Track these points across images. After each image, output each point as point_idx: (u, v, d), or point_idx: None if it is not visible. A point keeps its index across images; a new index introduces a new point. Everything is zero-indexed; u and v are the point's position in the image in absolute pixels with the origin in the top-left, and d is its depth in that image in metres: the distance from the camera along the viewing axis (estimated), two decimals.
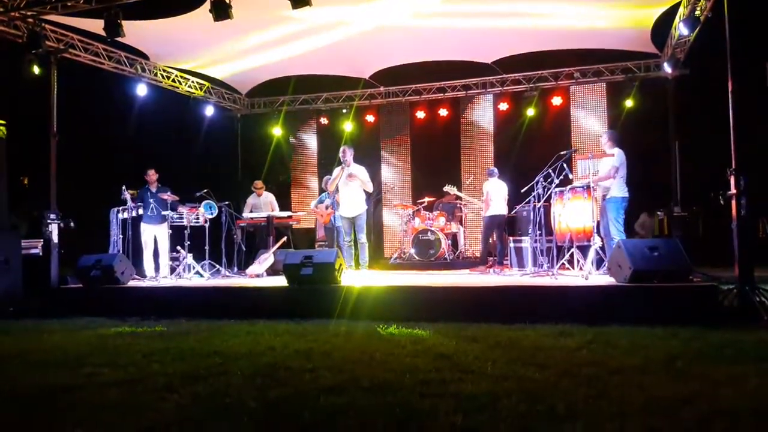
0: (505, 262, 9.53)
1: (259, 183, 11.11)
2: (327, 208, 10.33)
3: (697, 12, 8.26)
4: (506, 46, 10.89)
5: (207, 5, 7.85)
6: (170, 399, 3.42)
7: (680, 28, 8.93)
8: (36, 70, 8.65)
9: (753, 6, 6.84)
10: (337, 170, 8.74)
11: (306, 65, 11.80)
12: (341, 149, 8.77)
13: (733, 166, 5.95)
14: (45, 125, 8.55)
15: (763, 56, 5.89)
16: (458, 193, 11.09)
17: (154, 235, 9.35)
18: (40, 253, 8.48)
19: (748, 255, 5.87)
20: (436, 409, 3.07)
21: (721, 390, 3.30)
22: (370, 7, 8.95)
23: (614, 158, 7.61)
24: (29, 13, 8.29)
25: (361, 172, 8.71)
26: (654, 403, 3.10)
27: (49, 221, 8.29)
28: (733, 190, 5.90)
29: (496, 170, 9.76)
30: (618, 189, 7.60)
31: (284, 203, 11.85)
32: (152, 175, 9.43)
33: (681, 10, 8.76)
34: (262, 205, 10.82)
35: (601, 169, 7.68)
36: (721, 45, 6.19)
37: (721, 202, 6.04)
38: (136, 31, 9.14)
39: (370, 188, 8.78)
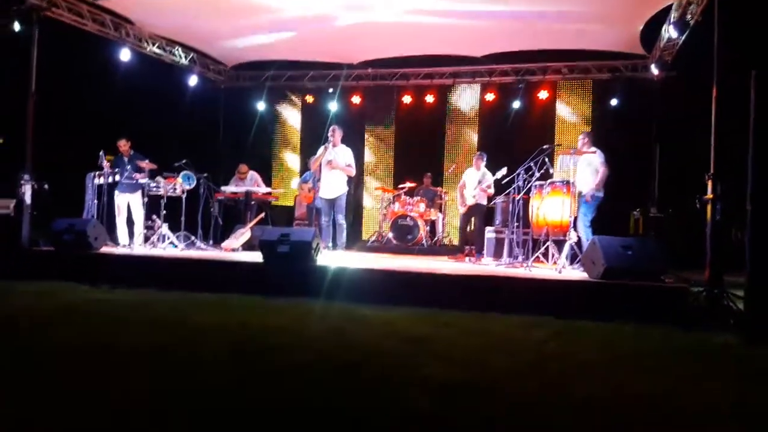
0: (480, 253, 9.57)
1: (243, 167, 10.71)
2: (309, 191, 10.25)
3: (688, 16, 8.29)
4: (497, 43, 10.89)
5: None
6: (136, 369, 3.39)
7: (669, 31, 8.97)
8: (17, 26, 8.44)
9: (744, 14, 6.85)
10: (321, 149, 8.67)
11: (293, 50, 11.77)
12: (331, 128, 8.66)
13: (712, 171, 6.02)
14: (24, 84, 8.36)
15: (751, 64, 5.92)
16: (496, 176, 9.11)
17: (127, 202, 9.23)
18: (12, 214, 8.31)
19: (719, 259, 5.96)
20: (402, 392, 3.08)
21: (685, 389, 3.36)
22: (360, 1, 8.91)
23: (598, 156, 7.70)
24: None
25: (346, 153, 8.64)
26: (618, 397, 3.15)
27: (23, 182, 8.13)
28: (709, 195, 5.97)
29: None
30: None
31: (265, 180, 11.73)
32: (123, 145, 9.25)
33: (672, 14, 8.79)
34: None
35: (579, 167, 7.72)
36: (709, 50, 6.22)
37: (697, 205, 6.11)
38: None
39: (353, 172, 8.72)
